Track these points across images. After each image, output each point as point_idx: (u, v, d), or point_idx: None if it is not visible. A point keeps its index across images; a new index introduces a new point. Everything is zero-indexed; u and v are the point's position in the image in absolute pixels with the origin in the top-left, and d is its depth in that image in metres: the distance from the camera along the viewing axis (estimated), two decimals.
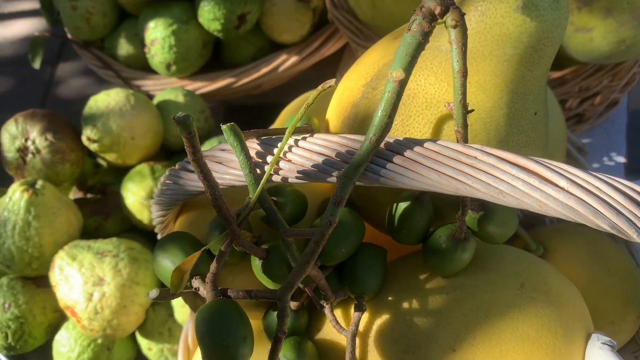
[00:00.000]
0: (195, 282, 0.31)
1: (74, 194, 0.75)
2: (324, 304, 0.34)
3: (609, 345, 0.32)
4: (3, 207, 0.63)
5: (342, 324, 0.35)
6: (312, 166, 0.28)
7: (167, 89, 0.77)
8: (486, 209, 0.32)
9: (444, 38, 0.33)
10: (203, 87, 0.80)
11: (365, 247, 0.34)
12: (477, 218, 0.32)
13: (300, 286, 0.32)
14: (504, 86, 0.32)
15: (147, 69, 0.84)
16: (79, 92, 1.31)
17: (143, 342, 0.66)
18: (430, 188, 0.27)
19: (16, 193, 0.63)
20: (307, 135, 0.29)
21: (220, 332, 0.27)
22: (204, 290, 0.30)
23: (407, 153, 0.27)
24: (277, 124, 0.50)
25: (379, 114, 0.26)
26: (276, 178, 0.29)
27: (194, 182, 0.33)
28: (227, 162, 0.31)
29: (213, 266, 0.30)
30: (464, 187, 0.26)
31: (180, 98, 0.74)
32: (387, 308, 0.34)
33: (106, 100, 0.68)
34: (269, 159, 0.29)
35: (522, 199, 0.25)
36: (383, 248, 0.35)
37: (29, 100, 1.38)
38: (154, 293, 0.31)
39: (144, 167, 0.68)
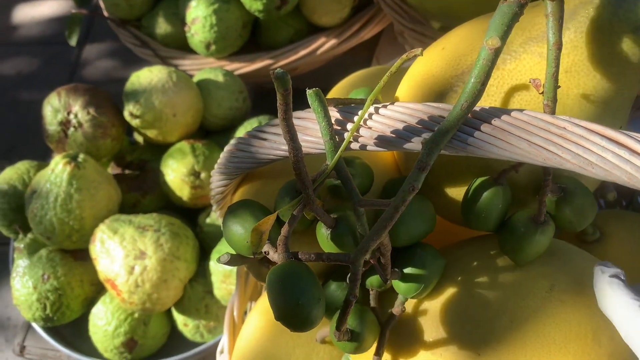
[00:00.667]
0: (265, 247, 0.31)
1: (112, 170, 0.75)
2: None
3: (619, 278, 0.29)
4: (46, 179, 0.64)
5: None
6: (392, 132, 0.28)
7: (206, 68, 0.77)
8: (566, 192, 0.32)
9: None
10: (241, 67, 0.80)
11: (428, 247, 0.34)
12: (555, 200, 0.32)
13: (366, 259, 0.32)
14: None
15: (184, 49, 0.84)
16: (105, 73, 1.31)
17: (179, 318, 0.66)
18: (518, 158, 0.26)
19: (59, 165, 0.63)
20: (388, 103, 0.29)
21: (295, 292, 0.26)
22: (274, 254, 0.30)
23: (496, 122, 0.26)
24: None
25: (472, 81, 0.26)
26: (355, 145, 0.29)
27: (265, 149, 0.32)
28: (303, 130, 0.31)
29: (285, 229, 0.29)
30: (554, 157, 0.26)
31: (220, 77, 0.74)
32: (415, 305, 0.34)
33: (149, 76, 0.68)
34: (349, 126, 0.29)
35: (611, 170, 0.25)
36: (444, 258, 0.34)
37: (54, 80, 1.38)
38: (225, 257, 0.31)
39: (184, 145, 0.68)
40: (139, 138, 0.78)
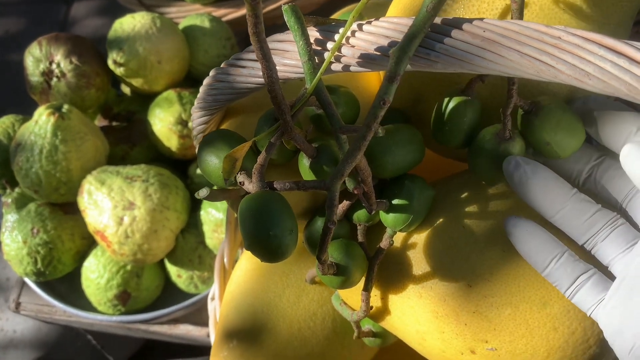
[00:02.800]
0: (241, 177, 0.30)
1: (99, 122, 0.73)
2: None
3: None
4: (30, 131, 0.62)
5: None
6: (377, 50, 0.26)
7: (192, 14, 0.74)
8: (537, 106, 0.29)
9: None
10: (228, 14, 0.77)
11: (416, 178, 0.32)
12: (522, 115, 0.29)
13: (349, 190, 0.31)
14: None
15: None
16: (93, 32, 1.28)
17: (172, 269, 0.66)
18: (509, 71, 0.24)
19: (42, 117, 0.61)
20: (372, 19, 0.27)
21: (267, 222, 0.25)
22: (249, 185, 0.29)
23: (486, 33, 0.24)
24: None
25: None
26: (337, 67, 0.27)
27: (243, 77, 0.31)
28: (282, 53, 0.29)
29: (261, 157, 0.28)
30: (547, 68, 0.24)
31: (206, 23, 0.71)
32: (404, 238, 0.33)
33: (132, 23, 0.66)
34: (329, 45, 0.27)
35: (609, 81, 0.23)
36: (434, 189, 0.33)
37: None
38: (204, 192, 0.30)
39: (170, 93, 0.66)
40: (125, 89, 0.76)
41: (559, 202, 0.28)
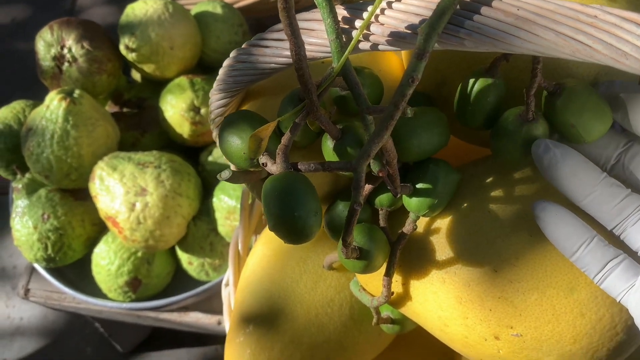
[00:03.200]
0: (263, 158, 0.29)
1: (109, 108, 0.73)
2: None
3: None
4: (41, 115, 0.61)
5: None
6: (408, 28, 0.25)
7: (204, 0, 0.73)
8: (563, 88, 0.28)
9: None
10: (239, 0, 0.77)
11: (441, 161, 0.32)
12: (546, 96, 0.28)
13: (373, 173, 0.30)
14: None
15: None
16: (101, 19, 1.27)
17: (183, 257, 0.65)
18: (544, 50, 0.24)
19: (54, 101, 0.61)
20: None
21: (292, 203, 0.25)
22: (272, 166, 0.28)
23: (520, 11, 0.24)
24: None
25: None
26: (365, 45, 0.27)
27: (267, 57, 0.30)
28: (308, 32, 0.28)
29: (285, 137, 0.28)
30: (584, 48, 0.23)
31: (218, 10, 0.70)
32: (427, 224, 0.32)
33: (144, 8, 0.65)
34: (357, 23, 0.27)
35: None
36: (459, 173, 0.32)
37: None
38: (227, 174, 0.29)
39: (183, 80, 0.66)
40: (136, 76, 0.76)
41: (589, 186, 0.27)
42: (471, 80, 0.30)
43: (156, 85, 0.71)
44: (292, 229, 0.26)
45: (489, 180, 0.32)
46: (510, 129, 0.29)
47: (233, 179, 0.30)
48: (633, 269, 0.27)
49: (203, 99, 0.64)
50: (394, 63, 0.38)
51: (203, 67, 0.73)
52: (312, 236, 0.26)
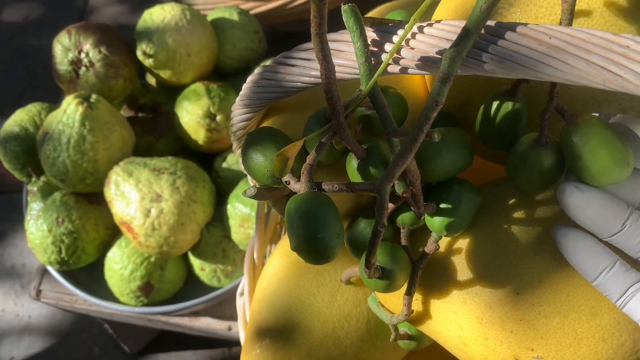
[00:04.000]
0: (287, 176, 0.30)
1: (125, 112, 0.73)
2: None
3: None
4: (58, 120, 0.62)
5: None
6: (438, 53, 0.25)
7: (220, 7, 0.74)
8: (579, 117, 0.27)
9: None
10: (256, 7, 0.77)
11: (464, 182, 0.32)
12: (563, 129, 0.27)
13: (397, 193, 0.30)
14: None
15: None
16: (112, 19, 1.28)
17: (196, 262, 0.66)
18: (575, 79, 0.24)
19: (71, 106, 0.61)
20: (434, 21, 0.26)
21: (315, 225, 0.25)
22: (296, 184, 0.28)
23: (552, 40, 0.24)
24: None
25: None
26: (394, 68, 0.27)
27: (294, 76, 0.30)
28: (336, 53, 0.28)
29: (311, 157, 0.28)
30: (615, 77, 0.23)
31: (235, 16, 0.71)
32: (449, 243, 0.32)
33: (161, 14, 0.65)
34: (387, 47, 0.27)
35: None
36: (481, 193, 0.32)
37: (62, 26, 1.36)
38: (252, 191, 0.30)
39: (199, 86, 0.66)
40: (151, 80, 0.76)
41: (616, 226, 0.27)
42: (492, 102, 0.30)
43: (171, 90, 0.71)
44: (314, 250, 0.26)
45: (511, 201, 0.32)
46: (521, 152, 0.29)
47: (258, 195, 0.30)
48: None
49: (219, 106, 0.65)
50: (417, 81, 0.38)
51: (218, 74, 0.74)
52: (334, 257, 0.26)
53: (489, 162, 0.37)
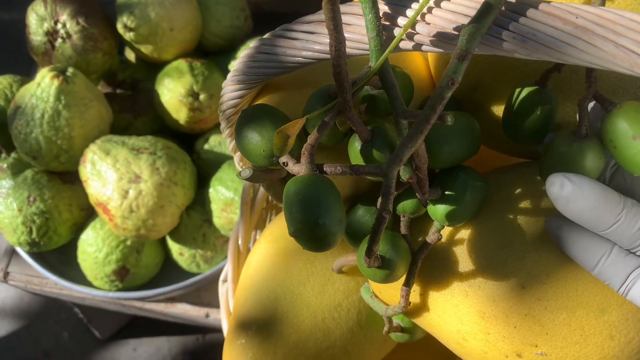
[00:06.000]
0: (284, 157, 0.27)
1: (102, 88, 0.70)
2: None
3: None
4: (31, 93, 0.58)
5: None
6: (456, 30, 0.24)
7: None
8: (621, 104, 0.25)
9: None
10: None
11: (470, 169, 0.30)
12: (604, 116, 0.26)
13: (401, 180, 0.29)
14: None
15: None
16: None
17: (174, 247, 0.63)
18: (600, 62, 0.23)
19: (45, 79, 0.58)
20: None
21: (317, 209, 0.23)
22: (294, 166, 0.26)
23: (578, 20, 0.22)
24: None
25: None
26: (407, 44, 0.25)
27: (295, 50, 0.28)
28: (344, 27, 0.26)
29: (312, 137, 0.26)
30: None
31: None
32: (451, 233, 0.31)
33: None
34: (400, 21, 0.25)
35: None
36: (486, 181, 0.30)
37: None
38: (247, 172, 0.28)
39: (181, 63, 0.63)
40: (130, 56, 0.73)
41: (610, 219, 0.25)
42: (518, 91, 0.29)
43: (152, 67, 0.68)
44: (314, 236, 0.24)
45: (517, 191, 0.31)
46: (556, 145, 0.27)
47: (253, 178, 0.28)
48: None
49: (203, 84, 0.62)
50: (419, 63, 0.36)
51: (201, 52, 0.71)
52: (335, 245, 0.25)
53: (490, 150, 0.35)
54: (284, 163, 0.28)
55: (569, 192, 0.25)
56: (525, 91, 0.28)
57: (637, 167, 0.25)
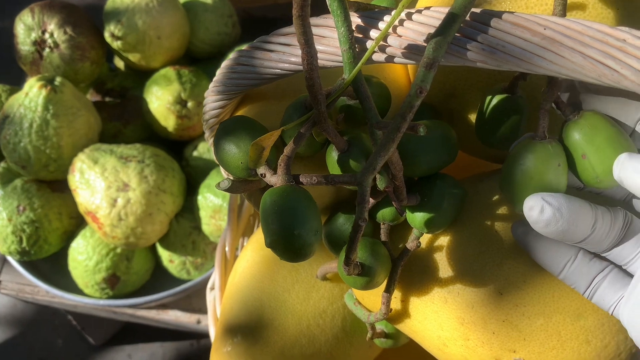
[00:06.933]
0: (262, 169, 0.28)
1: (91, 96, 0.70)
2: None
3: None
4: (19, 103, 0.59)
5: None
6: (426, 41, 0.24)
7: None
8: (583, 112, 0.26)
9: None
10: None
11: (447, 177, 0.30)
12: (564, 123, 0.26)
13: (378, 189, 0.29)
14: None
15: None
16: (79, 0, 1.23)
17: (164, 254, 0.63)
18: (568, 73, 0.23)
19: (33, 89, 0.58)
20: (422, 8, 0.25)
21: (292, 220, 0.24)
22: (272, 177, 0.27)
23: (546, 31, 0.23)
24: None
25: None
26: (379, 57, 0.25)
27: (272, 62, 0.28)
28: (318, 39, 0.27)
29: (289, 148, 0.26)
30: (611, 72, 0.22)
31: None
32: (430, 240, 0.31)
33: None
34: (372, 33, 0.25)
35: None
36: (465, 189, 0.31)
37: (24, 5, 1.31)
38: (226, 183, 0.28)
39: (169, 71, 0.63)
40: (119, 64, 0.73)
41: (586, 232, 0.25)
42: (490, 99, 0.29)
43: (140, 75, 0.68)
44: (290, 247, 0.24)
45: (495, 198, 0.31)
46: (514, 148, 0.28)
47: (232, 189, 0.28)
48: (620, 280, 0.26)
49: (190, 92, 0.62)
50: (399, 72, 0.37)
51: (189, 59, 0.71)
52: (311, 255, 0.25)
53: (471, 157, 0.35)
54: (261, 174, 0.28)
55: (549, 217, 0.24)
56: (495, 99, 0.28)
57: (586, 182, 0.26)
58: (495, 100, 0.28)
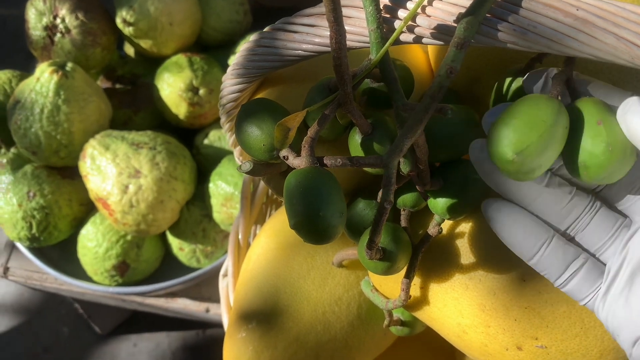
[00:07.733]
0: (284, 151, 0.27)
1: (101, 83, 0.70)
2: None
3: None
4: (30, 88, 0.58)
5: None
6: (456, 22, 0.24)
7: None
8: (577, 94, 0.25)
9: None
10: None
11: (470, 163, 0.30)
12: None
13: (402, 173, 0.29)
14: None
15: None
16: None
17: (174, 242, 0.63)
18: (602, 55, 0.22)
19: (45, 74, 0.58)
20: None
21: (318, 202, 0.23)
22: (295, 159, 0.26)
23: (579, 12, 0.22)
24: None
25: None
26: (407, 37, 0.25)
27: (295, 43, 0.28)
28: (344, 20, 0.26)
29: (312, 130, 0.26)
30: None
31: None
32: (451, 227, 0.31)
33: None
34: (401, 13, 0.25)
35: None
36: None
37: None
38: (247, 166, 0.28)
39: (181, 58, 0.63)
40: (129, 51, 0.73)
41: (535, 192, 0.25)
42: (507, 80, 0.29)
43: (151, 62, 0.68)
44: (315, 229, 0.24)
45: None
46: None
47: (254, 171, 0.28)
48: (596, 270, 0.25)
49: (202, 79, 0.62)
50: (420, 56, 0.36)
51: (200, 47, 0.71)
52: (335, 237, 0.25)
53: None
54: (284, 156, 0.28)
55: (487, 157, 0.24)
56: (512, 82, 0.28)
57: (592, 152, 0.23)
58: (511, 83, 0.28)
